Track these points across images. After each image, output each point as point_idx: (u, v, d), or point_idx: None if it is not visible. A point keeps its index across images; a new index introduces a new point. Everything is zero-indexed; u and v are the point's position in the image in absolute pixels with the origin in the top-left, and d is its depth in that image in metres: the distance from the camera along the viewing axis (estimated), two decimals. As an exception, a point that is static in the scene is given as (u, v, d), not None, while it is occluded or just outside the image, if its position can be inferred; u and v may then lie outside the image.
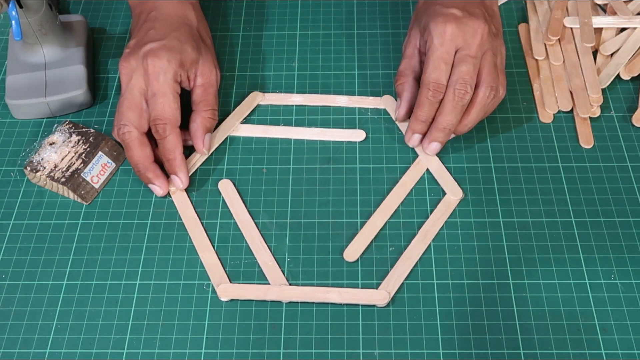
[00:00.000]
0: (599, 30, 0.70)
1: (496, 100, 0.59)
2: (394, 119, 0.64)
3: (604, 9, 0.72)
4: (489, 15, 0.61)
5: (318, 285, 0.55)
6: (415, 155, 0.62)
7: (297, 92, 0.67)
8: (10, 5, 0.58)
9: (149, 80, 0.58)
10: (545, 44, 0.70)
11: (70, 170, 0.59)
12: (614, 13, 0.70)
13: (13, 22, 0.60)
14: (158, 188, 0.59)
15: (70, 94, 0.65)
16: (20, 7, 0.60)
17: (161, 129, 0.58)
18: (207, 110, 0.61)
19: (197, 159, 0.62)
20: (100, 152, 0.61)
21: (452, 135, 0.60)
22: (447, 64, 0.58)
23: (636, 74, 0.66)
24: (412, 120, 0.60)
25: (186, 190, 0.60)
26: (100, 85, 0.69)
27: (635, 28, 0.69)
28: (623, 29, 0.69)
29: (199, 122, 0.61)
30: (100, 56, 0.72)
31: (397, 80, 0.62)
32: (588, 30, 0.68)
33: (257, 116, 0.66)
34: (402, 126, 0.64)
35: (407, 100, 0.62)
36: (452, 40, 0.58)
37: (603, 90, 0.65)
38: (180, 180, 0.59)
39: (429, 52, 0.58)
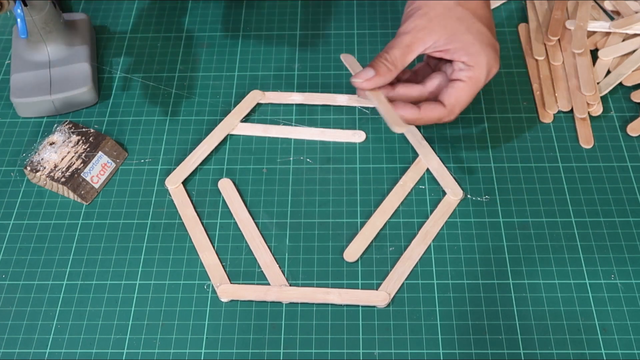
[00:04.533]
0: (606, 34, 0.70)
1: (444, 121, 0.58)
2: (353, 77, 0.57)
3: (608, 14, 0.72)
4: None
5: (318, 285, 0.55)
6: (416, 155, 0.62)
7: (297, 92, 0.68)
8: (16, 3, 0.59)
9: None
10: (545, 44, 0.70)
11: (70, 170, 0.59)
12: (619, 14, 0.70)
13: (18, 20, 0.60)
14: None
15: (75, 92, 0.65)
16: (25, 5, 0.61)
17: None
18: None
19: (197, 158, 0.62)
20: (100, 152, 0.61)
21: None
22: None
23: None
24: (408, 117, 0.56)
25: (186, 189, 0.60)
26: (102, 84, 0.69)
27: (638, 36, 0.68)
28: (633, 35, 0.69)
29: None
30: (103, 55, 0.72)
31: (386, 61, 0.56)
32: (581, 35, 0.68)
33: (257, 115, 0.66)
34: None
35: (380, 83, 0.57)
36: (488, 75, 0.56)
37: (604, 90, 0.66)
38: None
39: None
